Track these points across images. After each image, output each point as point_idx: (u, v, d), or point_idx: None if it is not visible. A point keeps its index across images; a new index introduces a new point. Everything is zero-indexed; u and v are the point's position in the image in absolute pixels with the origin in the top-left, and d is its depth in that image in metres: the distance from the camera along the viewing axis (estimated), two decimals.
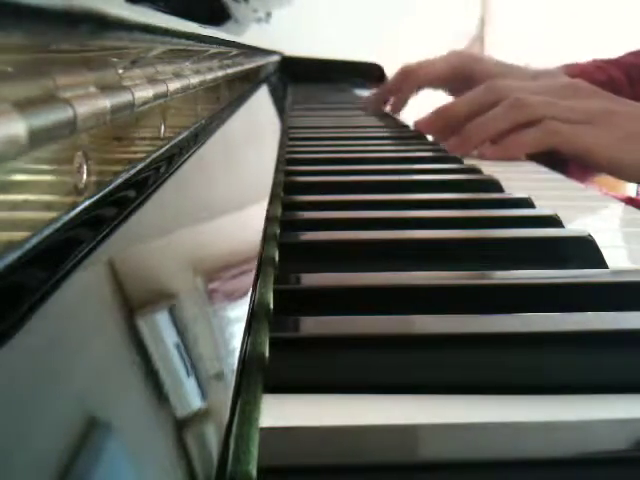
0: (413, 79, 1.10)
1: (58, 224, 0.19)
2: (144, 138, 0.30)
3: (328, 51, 1.87)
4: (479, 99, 0.81)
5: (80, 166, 0.21)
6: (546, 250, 0.39)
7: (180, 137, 0.37)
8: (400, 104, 1.14)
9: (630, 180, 0.74)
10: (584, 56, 1.12)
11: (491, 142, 0.78)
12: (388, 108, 1.18)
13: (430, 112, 0.89)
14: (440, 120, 0.86)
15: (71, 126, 0.18)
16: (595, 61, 1.08)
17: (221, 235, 0.36)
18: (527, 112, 0.74)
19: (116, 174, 0.25)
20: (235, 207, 0.42)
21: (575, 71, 0.98)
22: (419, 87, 1.11)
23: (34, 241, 0.17)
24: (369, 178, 0.59)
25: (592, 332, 0.27)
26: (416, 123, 0.91)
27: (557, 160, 0.74)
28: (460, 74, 1.02)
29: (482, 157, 0.76)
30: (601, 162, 0.70)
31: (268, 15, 1.32)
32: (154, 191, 0.28)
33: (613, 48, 1.09)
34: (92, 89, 0.21)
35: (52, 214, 0.19)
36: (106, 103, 0.21)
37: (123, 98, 0.23)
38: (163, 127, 0.33)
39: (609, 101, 0.73)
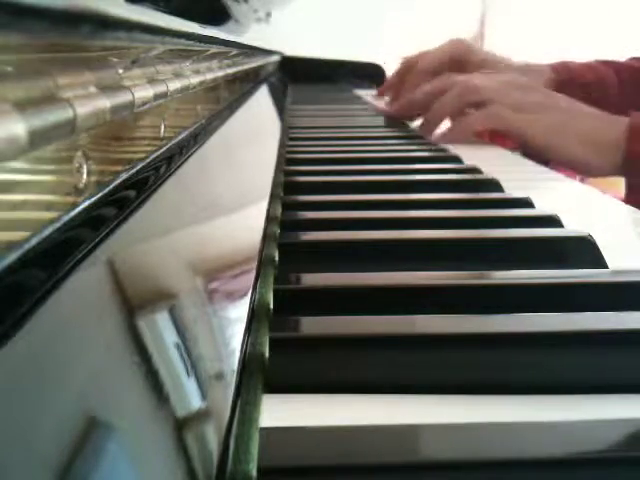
0: (415, 67, 1.22)
1: (58, 224, 0.19)
2: (144, 138, 0.30)
3: (328, 51, 1.87)
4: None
5: (80, 166, 0.21)
6: (546, 250, 0.39)
7: (180, 137, 0.37)
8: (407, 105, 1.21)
9: (560, 163, 0.85)
10: (585, 54, 1.12)
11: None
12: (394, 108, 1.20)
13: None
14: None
15: (71, 126, 0.18)
16: (589, 62, 1.14)
17: (221, 235, 0.36)
18: (475, 94, 0.89)
19: (116, 174, 0.25)
20: (235, 207, 0.42)
21: (562, 70, 1.11)
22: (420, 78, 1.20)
23: (34, 241, 0.17)
24: (369, 178, 0.59)
25: (592, 332, 0.27)
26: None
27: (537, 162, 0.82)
28: (455, 61, 1.17)
29: (440, 141, 0.85)
30: (536, 145, 0.82)
31: (268, 15, 1.32)
32: (154, 191, 0.28)
33: (614, 45, 1.09)
34: (92, 89, 0.21)
35: (52, 214, 0.19)
36: (106, 103, 0.21)
37: (123, 98, 0.23)
38: (163, 127, 0.33)
39: (545, 97, 0.88)
